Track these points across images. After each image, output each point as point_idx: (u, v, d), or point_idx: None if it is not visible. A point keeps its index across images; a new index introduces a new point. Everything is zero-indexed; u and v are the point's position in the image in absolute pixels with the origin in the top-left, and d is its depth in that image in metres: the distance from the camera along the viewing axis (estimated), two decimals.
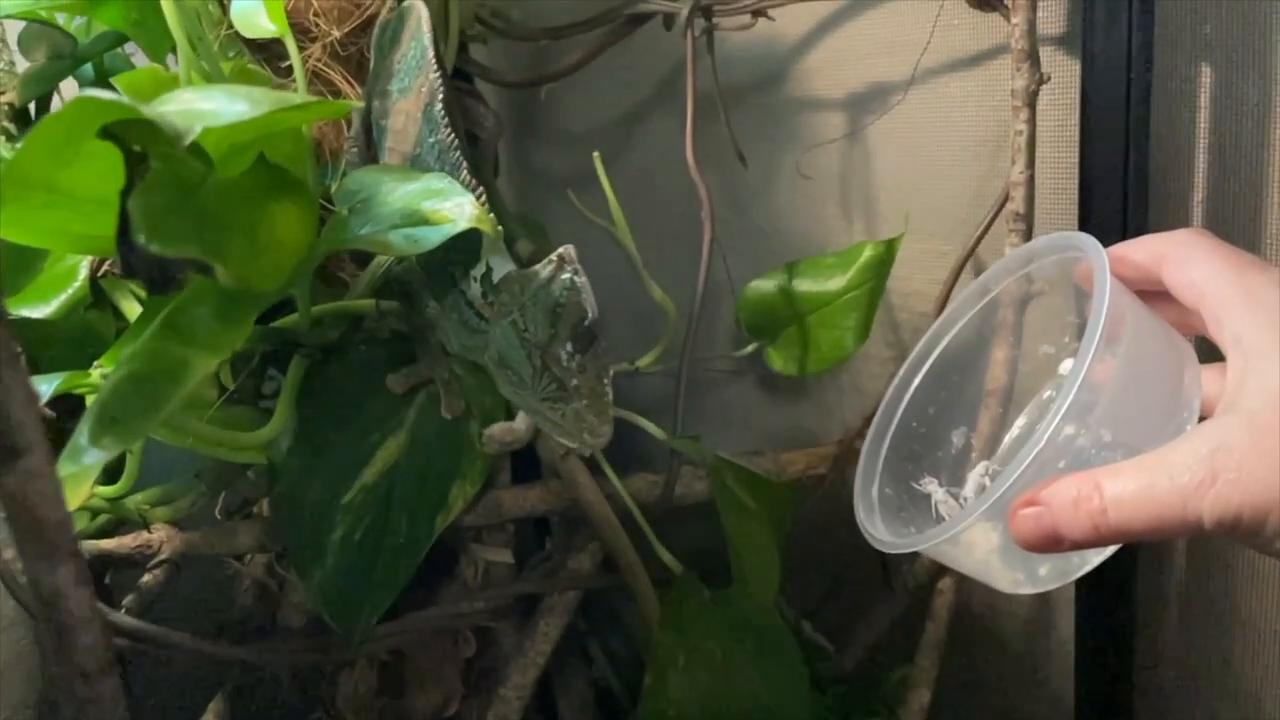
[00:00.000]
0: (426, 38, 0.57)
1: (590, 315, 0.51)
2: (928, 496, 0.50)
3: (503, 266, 0.55)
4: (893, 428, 0.52)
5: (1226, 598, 0.71)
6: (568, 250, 0.50)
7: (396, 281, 0.63)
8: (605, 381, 0.53)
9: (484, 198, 0.53)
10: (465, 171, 0.55)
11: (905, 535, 0.45)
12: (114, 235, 0.37)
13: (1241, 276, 0.40)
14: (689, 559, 0.74)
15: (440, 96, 0.56)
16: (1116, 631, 0.73)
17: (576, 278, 0.50)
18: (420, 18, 0.58)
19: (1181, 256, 0.42)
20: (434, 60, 0.57)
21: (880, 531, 0.47)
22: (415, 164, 0.58)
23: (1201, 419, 0.40)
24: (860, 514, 0.48)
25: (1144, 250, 0.44)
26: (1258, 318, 0.38)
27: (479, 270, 0.56)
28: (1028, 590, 0.44)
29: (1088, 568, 0.43)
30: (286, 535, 0.66)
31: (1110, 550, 0.42)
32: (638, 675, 0.94)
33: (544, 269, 0.51)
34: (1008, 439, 0.53)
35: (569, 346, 0.51)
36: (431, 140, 0.57)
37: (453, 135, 0.56)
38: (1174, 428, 0.40)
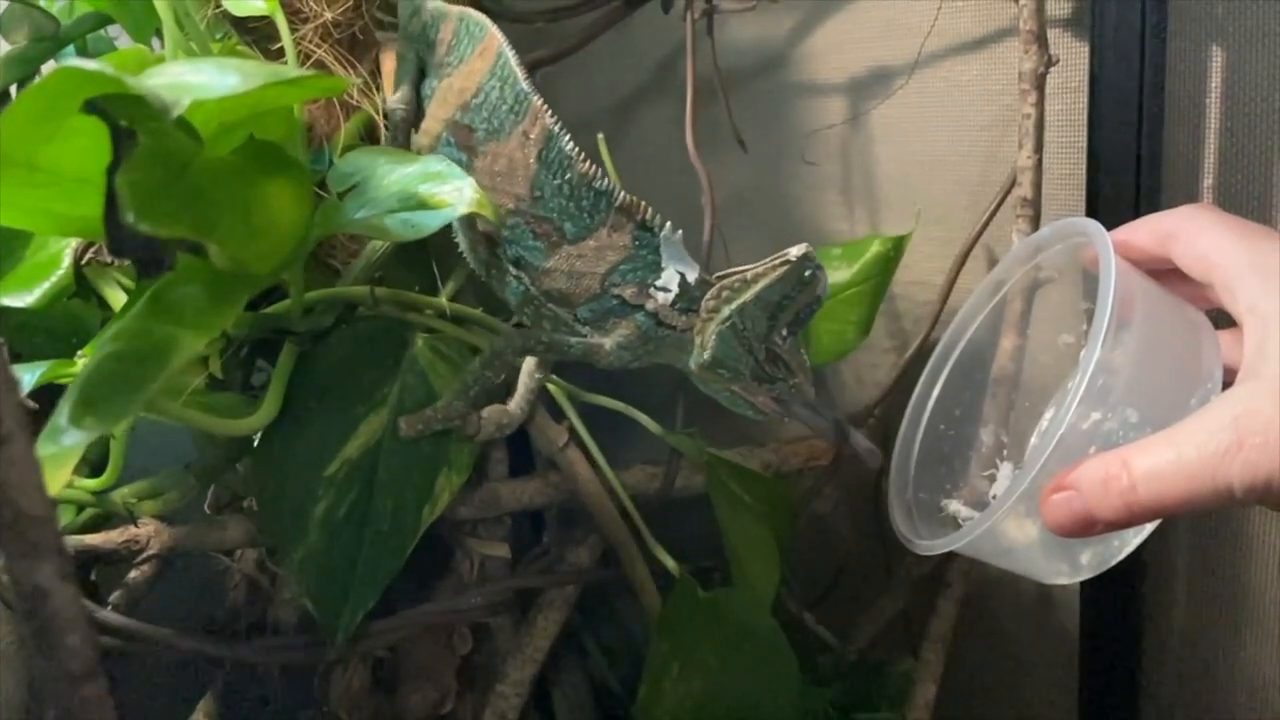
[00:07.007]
0: (524, 84, 0.56)
1: (822, 297, 0.54)
2: (962, 499, 0.50)
3: (691, 270, 0.56)
4: (920, 434, 0.52)
5: (1235, 586, 0.70)
6: (810, 250, 0.52)
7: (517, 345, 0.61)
8: (801, 350, 0.57)
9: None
10: (622, 194, 0.56)
11: (942, 536, 0.45)
12: (100, 215, 0.36)
13: (1250, 245, 0.40)
14: (696, 546, 0.72)
15: (563, 141, 0.55)
16: (1122, 617, 0.72)
17: (819, 271, 0.53)
18: (507, 60, 0.56)
19: (1188, 231, 0.42)
20: (542, 105, 0.56)
21: (917, 535, 0.47)
22: (537, 205, 0.57)
23: (1225, 388, 0.39)
24: (897, 521, 0.49)
25: (1149, 229, 0.44)
26: (1270, 284, 0.38)
27: (667, 280, 0.56)
28: (1068, 580, 0.43)
29: (1128, 549, 0.42)
30: (269, 509, 0.64)
31: (1148, 530, 0.41)
32: (634, 671, 0.93)
33: (770, 271, 0.53)
34: (1037, 432, 0.52)
35: (783, 331, 0.55)
36: (558, 181, 0.56)
37: (593, 166, 0.56)
38: (1198, 399, 0.40)
